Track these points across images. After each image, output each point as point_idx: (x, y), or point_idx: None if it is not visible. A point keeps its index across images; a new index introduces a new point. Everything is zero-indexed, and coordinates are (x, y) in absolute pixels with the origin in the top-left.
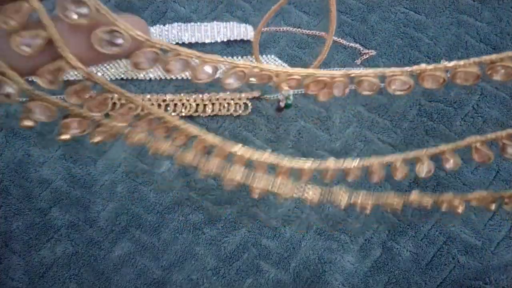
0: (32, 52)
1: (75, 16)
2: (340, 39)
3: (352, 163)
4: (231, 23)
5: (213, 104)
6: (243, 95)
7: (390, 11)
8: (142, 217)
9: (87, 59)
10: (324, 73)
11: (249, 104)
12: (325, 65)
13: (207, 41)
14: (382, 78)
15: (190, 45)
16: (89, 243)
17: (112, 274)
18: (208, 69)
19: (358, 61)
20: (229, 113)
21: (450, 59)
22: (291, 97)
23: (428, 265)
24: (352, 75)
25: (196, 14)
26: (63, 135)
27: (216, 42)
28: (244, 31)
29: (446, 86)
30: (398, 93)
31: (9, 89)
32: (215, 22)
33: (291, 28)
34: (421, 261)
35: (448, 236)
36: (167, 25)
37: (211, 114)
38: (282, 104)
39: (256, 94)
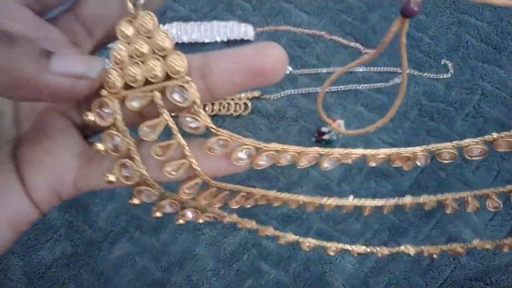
0: (177, 178)
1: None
2: (340, 38)
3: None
4: (231, 22)
5: (213, 104)
6: (243, 95)
7: (390, 10)
8: (141, 218)
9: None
10: (406, 150)
11: (249, 104)
12: (325, 65)
13: (206, 40)
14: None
15: (190, 45)
16: (89, 244)
17: (112, 274)
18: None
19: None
20: (229, 113)
21: (451, 59)
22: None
23: (429, 265)
24: (432, 149)
25: (195, 14)
26: (157, 213)
27: (215, 42)
28: (244, 31)
29: (447, 86)
30: (475, 159)
31: (152, 196)
32: (214, 21)
33: (291, 28)
34: (422, 262)
35: (449, 236)
36: (166, 25)
37: (211, 114)
38: (326, 137)
39: (256, 94)
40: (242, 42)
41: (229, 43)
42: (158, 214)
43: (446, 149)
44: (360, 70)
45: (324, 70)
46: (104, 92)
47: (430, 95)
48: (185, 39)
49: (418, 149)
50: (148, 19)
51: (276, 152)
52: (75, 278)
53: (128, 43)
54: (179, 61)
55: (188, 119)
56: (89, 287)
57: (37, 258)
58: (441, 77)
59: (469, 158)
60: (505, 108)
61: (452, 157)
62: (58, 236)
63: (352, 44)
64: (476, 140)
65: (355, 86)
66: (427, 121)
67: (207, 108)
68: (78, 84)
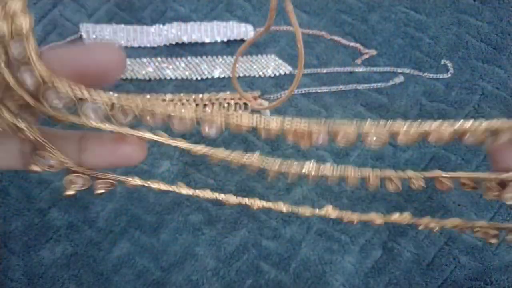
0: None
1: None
2: (340, 38)
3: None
4: (231, 22)
5: (213, 104)
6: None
7: (390, 10)
8: (141, 218)
9: None
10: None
11: (249, 104)
12: (325, 65)
13: (207, 40)
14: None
15: (190, 45)
16: (89, 244)
17: (112, 274)
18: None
19: (359, 61)
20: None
21: (451, 59)
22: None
23: (429, 265)
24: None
25: (195, 14)
26: (68, 190)
27: (216, 42)
28: (244, 31)
29: (447, 86)
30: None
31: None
32: (215, 21)
33: (291, 28)
34: (422, 262)
35: (449, 236)
36: (166, 25)
37: None
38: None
39: (256, 94)
40: (242, 42)
41: (229, 43)
42: (71, 192)
43: (390, 178)
44: (360, 70)
45: (324, 70)
46: None
47: (430, 95)
48: (185, 39)
49: (367, 173)
50: None
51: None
52: (75, 278)
53: None
54: (24, 21)
55: (25, 73)
56: (89, 287)
57: (37, 258)
58: (441, 77)
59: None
60: (505, 108)
61: (395, 188)
62: (58, 236)
63: (352, 44)
64: (417, 174)
65: (355, 86)
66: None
67: (207, 108)
68: None
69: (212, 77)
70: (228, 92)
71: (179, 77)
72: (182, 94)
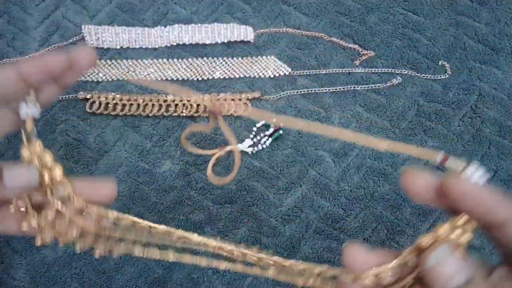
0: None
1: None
2: (339, 40)
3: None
4: (231, 24)
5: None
6: (243, 95)
7: (388, 12)
8: (143, 216)
9: None
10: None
11: (249, 105)
12: (324, 66)
13: (207, 42)
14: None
15: (191, 46)
16: None
17: (113, 273)
18: None
19: (357, 62)
20: (229, 113)
21: (448, 60)
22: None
23: None
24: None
25: (196, 16)
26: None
27: (216, 43)
28: (244, 32)
29: (444, 86)
30: None
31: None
32: (215, 23)
33: (290, 29)
34: None
35: None
36: (168, 27)
37: None
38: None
39: (256, 94)
40: (242, 43)
41: (230, 45)
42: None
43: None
44: (359, 71)
45: (323, 71)
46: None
47: (428, 96)
48: (186, 40)
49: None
50: (36, 145)
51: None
52: (77, 277)
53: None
54: (58, 172)
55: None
56: (91, 285)
57: (40, 257)
58: (438, 77)
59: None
60: (502, 108)
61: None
62: None
63: (351, 45)
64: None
65: (354, 87)
66: (425, 121)
67: (207, 109)
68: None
69: (213, 78)
70: (228, 93)
71: (180, 78)
72: (183, 95)
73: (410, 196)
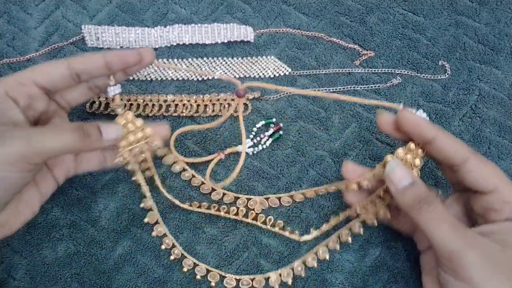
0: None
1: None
2: (339, 40)
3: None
4: (231, 24)
5: (213, 104)
6: None
7: (388, 12)
8: (143, 216)
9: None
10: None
11: (249, 105)
12: (324, 66)
13: (207, 42)
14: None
15: (191, 46)
16: (91, 242)
17: (114, 273)
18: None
19: (357, 62)
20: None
21: (448, 60)
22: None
23: None
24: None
25: (196, 16)
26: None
27: (216, 43)
28: (244, 32)
29: (444, 87)
30: None
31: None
32: (215, 23)
33: (291, 29)
34: None
35: None
36: (168, 27)
37: (212, 115)
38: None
39: (256, 95)
40: (242, 43)
41: (230, 45)
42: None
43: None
44: (359, 71)
45: (323, 71)
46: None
47: (428, 96)
48: (186, 40)
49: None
50: (130, 114)
51: None
52: (77, 277)
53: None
54: (148, 131)
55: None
56: (91, 285)
57: (40, 257)
58: (438, 78)
59: None
60: (502, 108)
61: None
62: (60, 235)
63: (351, 45)
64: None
65: (353, 87)
66: None
67: (207, 109)
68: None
69: (213, 78)
70: (228, 93)
71: (180, 78)
72: (183, 95)
73: (381, 130)
